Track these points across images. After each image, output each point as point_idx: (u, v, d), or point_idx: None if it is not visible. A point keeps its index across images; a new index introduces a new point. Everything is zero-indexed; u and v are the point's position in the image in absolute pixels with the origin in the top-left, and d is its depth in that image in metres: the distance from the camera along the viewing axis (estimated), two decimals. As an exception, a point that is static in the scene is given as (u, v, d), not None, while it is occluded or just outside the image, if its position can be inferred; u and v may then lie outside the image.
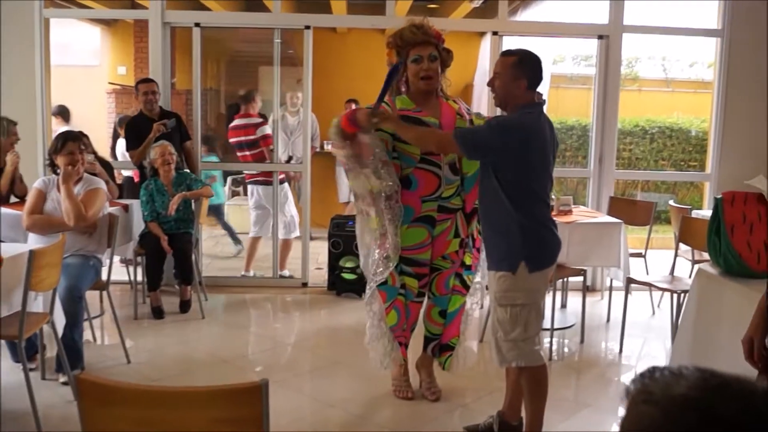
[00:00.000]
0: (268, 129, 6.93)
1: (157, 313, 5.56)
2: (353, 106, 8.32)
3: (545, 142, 3.22)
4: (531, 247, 3.19)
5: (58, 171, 4.46)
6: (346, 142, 3.71)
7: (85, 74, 12.02)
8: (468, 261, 3.94)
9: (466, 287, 3.97)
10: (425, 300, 4.00)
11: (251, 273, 6.91)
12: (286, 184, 7.04)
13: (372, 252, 3.83)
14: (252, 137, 6.83)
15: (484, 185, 3.33)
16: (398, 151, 3.71)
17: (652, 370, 0.92)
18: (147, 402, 1.86)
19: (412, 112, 3.70)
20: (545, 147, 3.23)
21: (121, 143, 7.31)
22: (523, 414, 3.46)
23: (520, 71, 3.20)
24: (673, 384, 0.88)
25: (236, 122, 6.96)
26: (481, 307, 4.21)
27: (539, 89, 3.32)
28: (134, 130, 6.10)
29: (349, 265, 6.28)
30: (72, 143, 4.49)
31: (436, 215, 3.77)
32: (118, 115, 10.96)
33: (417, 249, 3.78)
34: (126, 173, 7.40)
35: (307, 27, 6.42)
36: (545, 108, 3.37)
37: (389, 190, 3.63)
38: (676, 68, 13.32)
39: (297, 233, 6.93)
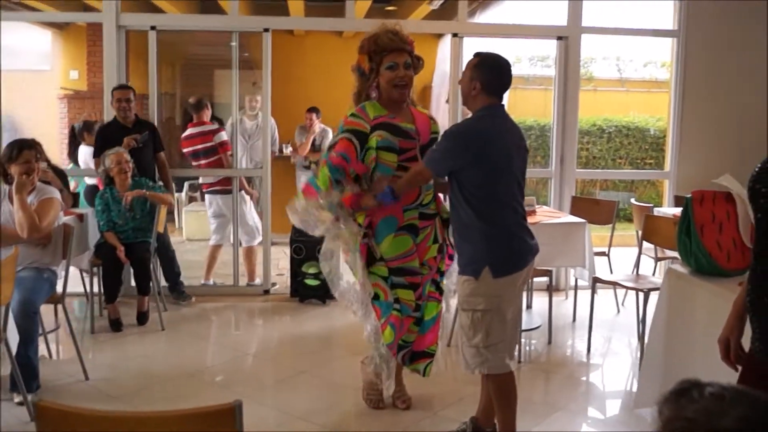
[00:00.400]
0: (225, 135, 6.79)
1: (116, 325, 5.40)
2: (314, 116, 8.31)
3: (505, 144, 3.20)
4: (495, 253, 3.16)
5: (11, 180, 4.30)
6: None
7: (35, 79, 11.75)
8: (442, 267, 3.88)
9: (442, 293, 3.90)
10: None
11: (211, 281, 6.78)
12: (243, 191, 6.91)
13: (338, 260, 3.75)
14: (209, 144, 6.68)
15: (451, 192, 3.30)
16: (376, 161, 3.62)
17: (688, 388, 0.84)
18: (111, 427, 1.76)
19: (387, 118, 3.62)
20: (506, 150, 3.20)
21: (84, 150, 7.13)
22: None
23: (477, 73, 3.20)
24: (718, 414, 0.80)
25: (190, 131, 6.75)
26: (447, 310, 4.14)
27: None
28: (105, 137, 5.95)
29: (312, 271, 6.18)
30: (27, 151, 4.33)
31: (418, 223, 3.69)
32: (79, 120, 10.74)
33: (405, 257, 3.67)
34: (90, 181, 7.17)
35: (266, 30, 6.30)
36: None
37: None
38: (630, 68, 13.50)
39: (260, 239, 6.82)
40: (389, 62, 3.62)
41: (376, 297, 3.68)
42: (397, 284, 3.68)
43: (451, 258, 3.84)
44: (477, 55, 3.29)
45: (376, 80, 3.67)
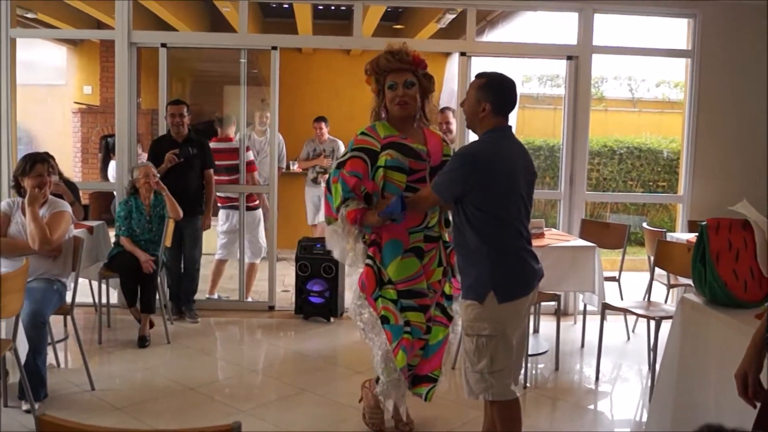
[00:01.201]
0: (252, 155, 6.84)
1: (141, 341, 5.46)
2: (323, 125, 8.30)
3: (512, 166, 3.14)
4: (500, 277, 3.09)
5: (24, 193, 4.35)
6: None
7: (50, 93, 11.87)
8: (448, 291, 3.82)
9: (449, 318, 3.83)
10: None
11: (215, 296, 6.75)
12: (259, 210, 6.91)
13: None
14: (234, 162, 6.67)
15: (455, 214, 3.25)
16: (384, 180, 3.59)
17: None
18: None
19: (398, 138, 3.59)
20: (513, 171, 3.14)
21: (113, 165, 7.15)
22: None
23: (484, 94, 3.15)
24: None
25: (214, 145, 6.71)
26: (452, 332, 4.06)
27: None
28: (155, 150, 6.07)
29: (316, 288, 6.16)
30: (40, 165, 4.37)
31: (424, 245, 3.65)
32: (105, 134, 10.83)
33: (413, 279, 3.62)
34: None
35: (274, 47, 6.33)
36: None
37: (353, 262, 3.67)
38: (642, 88, 13.43)
39: (263, 256, 6.81)
40: (389, 82, 3.63)
41: (386, 320, 3.62)
42: (406, 307, 3.63)
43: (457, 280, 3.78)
44: (482, 75, 3.23)
45: (383, 101, 3.68)
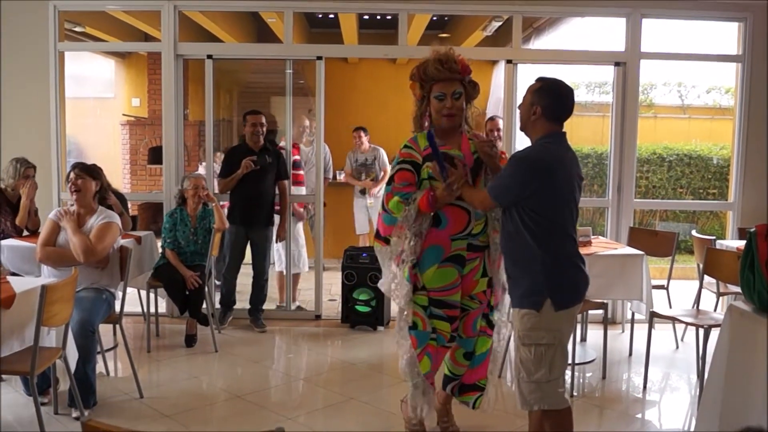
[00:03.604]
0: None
1: (189, 341, 5.64)
2: (362, 134, 8.33)
3: (567, 173, 3.14)
4: (556, 285, 3.07)
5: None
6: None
7: (99, 106, 12.10)
8: (492, 301, 3.79)
9: (492, 327, 3.82)
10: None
11: (296, 304, 6.85)
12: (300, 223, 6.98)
13: (391, 271, 3.69)
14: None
15: (506, 220, 3.22)
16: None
17: None
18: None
19: (438, 146, 3.59)
20: (569, 178, 3.14)
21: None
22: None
23: (537, 98, 3.14)
24: None
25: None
26: (498, 341, 4.03)
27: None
28: (231, 158, 6.12)
29: (363, 297, 6.18)
30: (72, 173, 4.51)
31: (466, 254, 3.62)
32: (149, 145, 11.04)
33: (447, 290, 3.61)
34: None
35: (319, 57, 6.37)
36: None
37: (407, 257, 3.56)
38: (693, 94, 13.17)
39: (304, 269, 6.91)
40: (437, 92, 3.59)
41: (414, 326, 3.63)
42: (435, 315, 3.64)
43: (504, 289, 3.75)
44: (539, 80, 3.23)
45: (427, 108, 3.66)
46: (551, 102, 3.14)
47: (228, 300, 6.29)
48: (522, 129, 3.32)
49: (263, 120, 6.12)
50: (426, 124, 3.70)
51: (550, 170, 3.08)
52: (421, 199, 3.48)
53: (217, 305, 6.32)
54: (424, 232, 3.55)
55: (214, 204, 5.72)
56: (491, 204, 3.30)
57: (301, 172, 7.06)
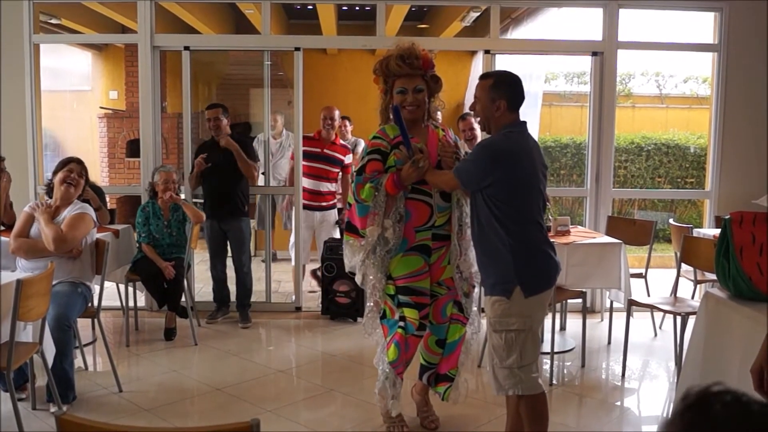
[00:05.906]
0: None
1: (168, 334, 5.63)
2: (347, 124, 8.28)
3: (533, 161, 3.20)
4: (525, 271, 3.12)
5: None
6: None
7: (76, 99, 11.97)
8: (465, 288, 3.82)
9: (466, 316, 3.84)
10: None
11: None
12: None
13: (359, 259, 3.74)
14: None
15: (474, 209, 3.28)
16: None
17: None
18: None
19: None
20: (533, 166, 3.20)
21: None
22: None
23: (498, 92, 3.20)
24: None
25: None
26: (478, 331, 4.06)
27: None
28: (198, 154, 6.09)
29: (343, 289, 6.17)
30: (75, 164, 4.56)
31: (431, 243, 3.70)
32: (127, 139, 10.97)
33: (415, 276, 3.67)
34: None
35: (297, 48, 6.35)
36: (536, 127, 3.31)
37: (392, 244, 3.63)
38: (670, 84, 13.26)
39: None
40: (399, 87, 3.69)
41: (384, 315, 3.73)
42: (403, 303, 3.69)
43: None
44: (488, 75, 3.32)
45: (391, 101, 3.72)
46: (512, 93, 3.21)
47: (219, 296, 6.26)
48: (484, 128, 3.38)
49: (219, 114, 5.99)
50: (391, 116, 3.74)
51: (516, 159, 3.14)
52: (386, 182, 3.56)
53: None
54: (402, 212, 3.60)
55: (181, 203, 5.69)
56: (456, 184, 3.38)
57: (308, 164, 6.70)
